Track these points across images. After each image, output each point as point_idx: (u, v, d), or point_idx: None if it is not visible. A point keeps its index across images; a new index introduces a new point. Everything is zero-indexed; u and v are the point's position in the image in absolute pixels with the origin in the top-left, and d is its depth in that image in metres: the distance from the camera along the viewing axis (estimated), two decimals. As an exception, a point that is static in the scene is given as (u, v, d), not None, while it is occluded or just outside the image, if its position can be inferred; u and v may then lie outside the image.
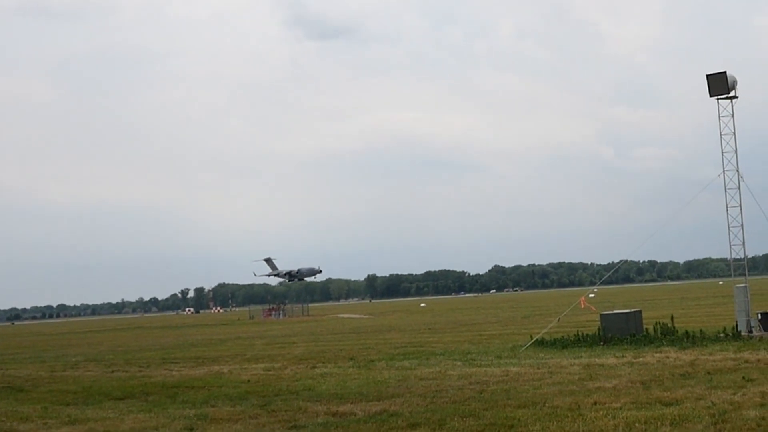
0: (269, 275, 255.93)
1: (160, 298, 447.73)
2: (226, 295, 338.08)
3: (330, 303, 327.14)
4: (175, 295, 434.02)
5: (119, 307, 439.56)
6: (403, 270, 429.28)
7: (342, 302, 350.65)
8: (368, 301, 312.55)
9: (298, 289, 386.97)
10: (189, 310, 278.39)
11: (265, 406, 20.91)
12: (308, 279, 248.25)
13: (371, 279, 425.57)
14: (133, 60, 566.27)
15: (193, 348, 50.44)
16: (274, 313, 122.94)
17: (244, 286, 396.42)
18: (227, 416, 19.63)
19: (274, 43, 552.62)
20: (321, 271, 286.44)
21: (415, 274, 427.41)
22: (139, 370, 34.81)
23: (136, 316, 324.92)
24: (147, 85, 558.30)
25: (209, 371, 32.16)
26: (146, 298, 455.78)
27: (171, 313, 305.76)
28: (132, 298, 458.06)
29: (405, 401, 20.43)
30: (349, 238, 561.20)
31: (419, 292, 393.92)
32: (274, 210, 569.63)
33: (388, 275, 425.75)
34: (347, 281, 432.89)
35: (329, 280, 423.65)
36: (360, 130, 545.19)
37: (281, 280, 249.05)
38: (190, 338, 65.38)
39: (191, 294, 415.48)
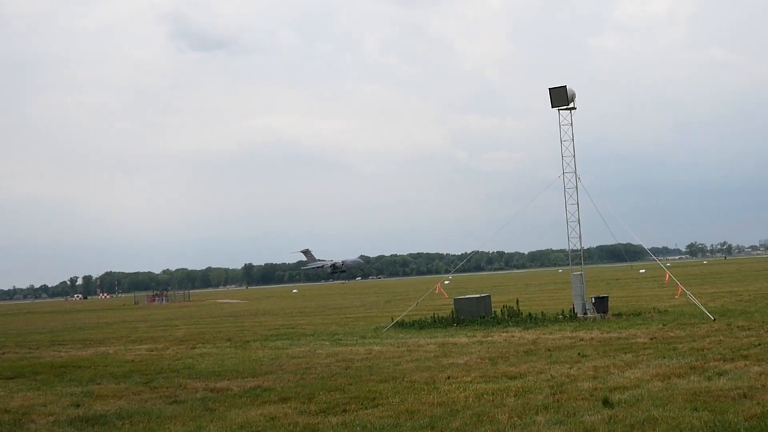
0: (316, 267, 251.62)
1: (50, 285, 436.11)
2: (112, 282, 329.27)
3: (210, 290, 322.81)
4: (64, 282, 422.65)
5: (10, 294, 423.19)
6: (278, 259, 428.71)
7: (221, 289, 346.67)
8: (245, 288, 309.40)
9: (181, 277, 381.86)
10: (78, 296, 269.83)
11: (148, 384, 20.51)
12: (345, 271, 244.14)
13: (248, 268, 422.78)
14: (29, 65, 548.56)
15: (80, 331, 49.02)
16: (157, 298, 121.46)
17: (129, 273, 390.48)
18: (112, 393, 19.18)
19: (160, 52, 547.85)
20: (364, 263, 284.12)
21: (289, 263, 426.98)
22: (28, 351, 33.64)
23: (26, 302, 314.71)
24: (42, 89, 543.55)
25: (96, 352, 31.33)
26: (37, 285, 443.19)
27: (60, 299, 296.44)
28: (23, 285, 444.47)
29: (277, 377, 20.34)
30: (228, 230, 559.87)
31: (292, 279, 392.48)
32: (160, 205, 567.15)
33: (263, 264, 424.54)
34: (226, 270, 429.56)
35: (209, 269, 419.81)
36: (239, 132, 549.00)
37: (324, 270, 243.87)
38: (78, 322, 63.46)
39: (80, 281, 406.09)
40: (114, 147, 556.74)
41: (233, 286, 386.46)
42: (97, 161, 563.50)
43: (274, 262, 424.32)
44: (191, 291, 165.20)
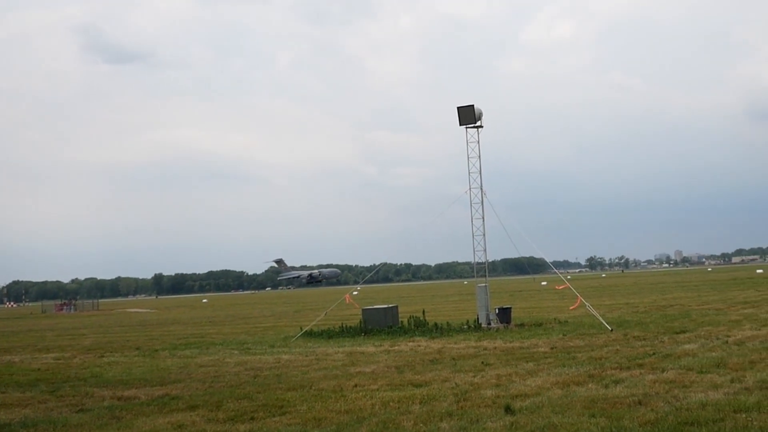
0: (292, 277, 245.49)
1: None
2: (20, 291, 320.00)
3: (119, 299, 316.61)
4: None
5: None
6: (188, 270, 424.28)
7: (130, 298, 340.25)
8: (155, 298, 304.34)
9: (90, 286, 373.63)
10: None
11: (54, 392, 19.95)
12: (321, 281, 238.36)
13: (158, 277, 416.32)
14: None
15: (-17, 340, 47.49)
16: (65, 307, 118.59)
17: (37, 282, 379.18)
18: (17, 402, 18.60)
19: (73, 64, 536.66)
20: (341, 273, 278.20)
21: (199, 273, 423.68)
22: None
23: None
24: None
25: (0, 361, 30.36)
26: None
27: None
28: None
29: (185, 386, 20.00)
30: (138, 241, 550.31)
31: (202, 289, 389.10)
32: (69, 215, 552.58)
33: (173, 274, 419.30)
34: (136, 279, 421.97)
35: (118, 278, 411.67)
36: (150, 144, 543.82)
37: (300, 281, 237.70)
38: (-18, 331, 61.54)
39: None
40: (23, 157, 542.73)
41: (143, 295, 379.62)
42: (6, 171, 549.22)
43: (184, 272, 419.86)
44: (100, 300, 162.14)
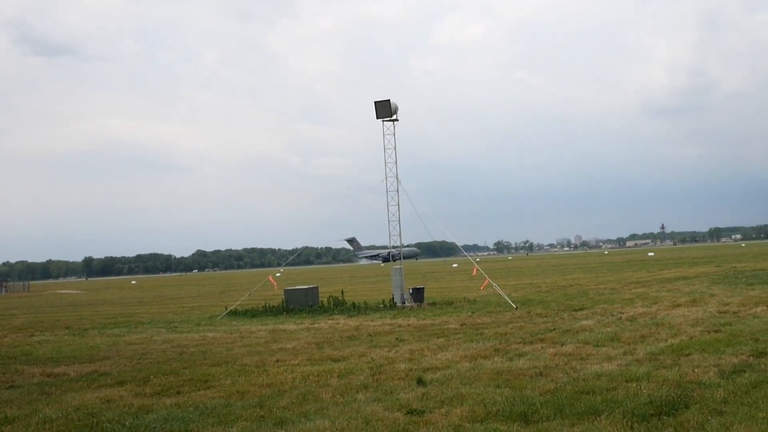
0: (371, 255, 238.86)
1: None
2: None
3: (50, 281, 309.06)
4: None
5: None
6: (117, 253, 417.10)
7: (61, 280, 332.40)
8: (85, 280, 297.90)
9: (21, 269, 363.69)
10: None
11: (-17, 371, 19.43)
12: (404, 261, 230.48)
13: (88, 260, 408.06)
14: None
15: None
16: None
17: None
18: (-55, 380, 18.06)
19: (4, 57, 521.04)
20: (419, 252, 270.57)
21: (128, 257, 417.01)
22: None
23: None
24: None
25: (-71, 341, 29.41)
26: None
27: None
28: None
29: (114, 363, 19.65)
30: (69, 226, 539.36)
31: (131, 271, 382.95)
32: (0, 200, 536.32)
33: (103, 257, 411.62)
34: (66, 262, 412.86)
35: (49, 261, 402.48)
36: (80, 134, 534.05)
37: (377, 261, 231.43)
38: None
39: None
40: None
41: (73, 277, 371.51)
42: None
43: (114, 256, 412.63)
44: (31, 282, 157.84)
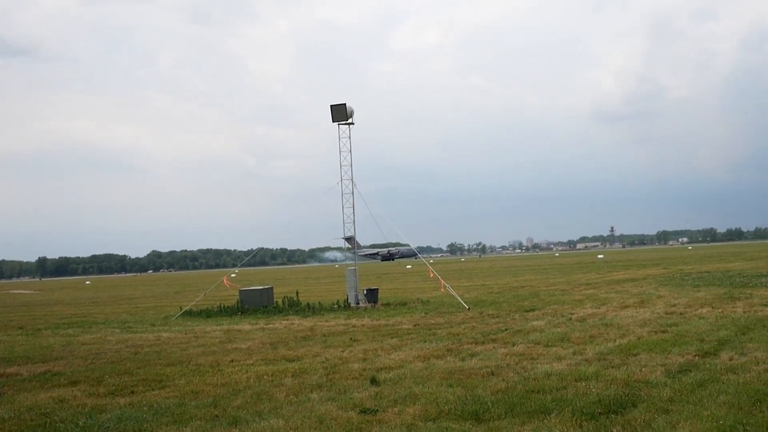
0: (371, 254, 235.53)
1: None
2: None
3: (2, 281, 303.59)
4: None
5: None
6: (72, 254, 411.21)
7: (14, 280, 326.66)
8: (38, 280, 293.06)
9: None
10: None
11: (-68, 371, 19.00)
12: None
13: (42, 261, 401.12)
14: None
15: None
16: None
17: None
18: None
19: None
20: (418, 251, 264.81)
21: (83, 257, 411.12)
22: None
23: None
24: None
25: None
26: None
27: None
28: None
29: (67, 362, 19.37)
30: (23, 226, 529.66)
31: (86, 272, 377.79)
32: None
33: (57, 257, 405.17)
34: (19, 262, 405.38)
35: (2, 261, 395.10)
36: (36, 135, 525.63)
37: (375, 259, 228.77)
38: None
39: None
40: None
41: (27, 277, 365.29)
42: None
43: (68, 256, 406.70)
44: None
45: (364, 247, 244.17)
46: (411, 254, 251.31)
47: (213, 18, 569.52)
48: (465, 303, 31.30)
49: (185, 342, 23.13)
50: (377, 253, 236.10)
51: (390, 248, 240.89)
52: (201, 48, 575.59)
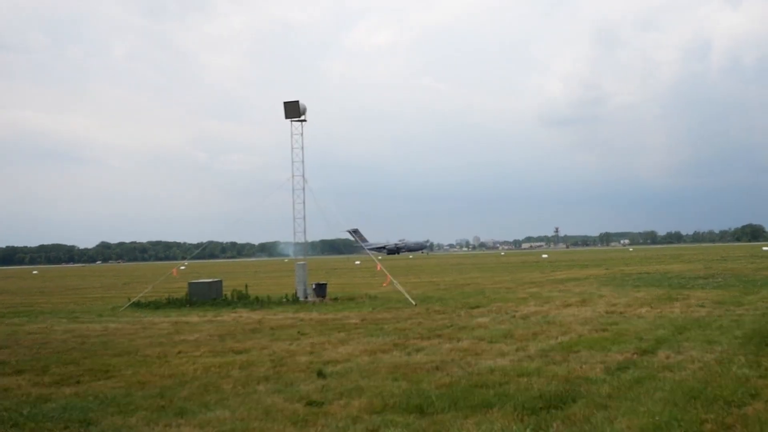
0: (378, 247, 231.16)
1: None
2: None
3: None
4: None
5: None
6: (19, 243, 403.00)
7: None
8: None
9: None
10: None
11: None
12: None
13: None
14: None
15: None
16: None
17: None
18: None
19: None
20: (428, 245, 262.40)
21: (30, 247, 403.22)
22: None
23: None
24: None
25: None
26: None
27: None
28: None
29: (12, 352, 19.04)
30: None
31: (33, 261, 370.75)
32: None
33: (4, 246, 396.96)
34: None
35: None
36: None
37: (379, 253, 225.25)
38: None
39: None
40: None
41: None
42: None
43: (15, 245, 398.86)
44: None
45: (367, 241, 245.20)
46: (418, 248, 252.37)
47: (166, 11, 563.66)
48: (412, 299, 31.41)
49: (133, 333, 22.88)
50: (384, 247, 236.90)
51: (397, 242, 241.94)
52: (154, 41, 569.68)
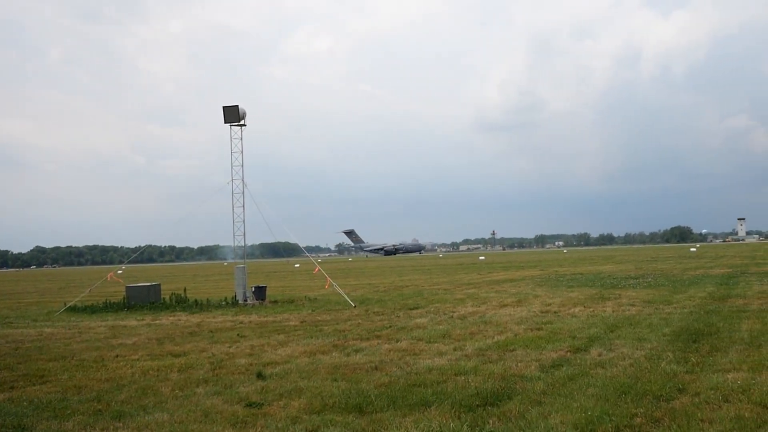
0: (376, 248, 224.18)
1: None
2: None
3: None
4: None
5: None
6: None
7: None
8: None
9: None
10: None
11: None
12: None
13: None
14: None
15: None
16: None
17: None
18: None
19: None
20: (423, 247, 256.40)
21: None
22: None
23: None
24: None
25: None
26: None
27: None
28: None
29: (-57, 358, 18.52)
30: None
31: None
32: None
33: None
34: None
35: None
36: None
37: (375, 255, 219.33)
38: None
39: None
40: None
41: None
42: None
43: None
44: None
45: (365, 242, 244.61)
46: (415, 249, 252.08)
47: (103, 15, 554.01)
48: (351, 301, 31.41)
49: (69, 337, 22.43)
50: (382, 248, 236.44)
51: (395, 244, 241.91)
52: (91, 44, 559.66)
